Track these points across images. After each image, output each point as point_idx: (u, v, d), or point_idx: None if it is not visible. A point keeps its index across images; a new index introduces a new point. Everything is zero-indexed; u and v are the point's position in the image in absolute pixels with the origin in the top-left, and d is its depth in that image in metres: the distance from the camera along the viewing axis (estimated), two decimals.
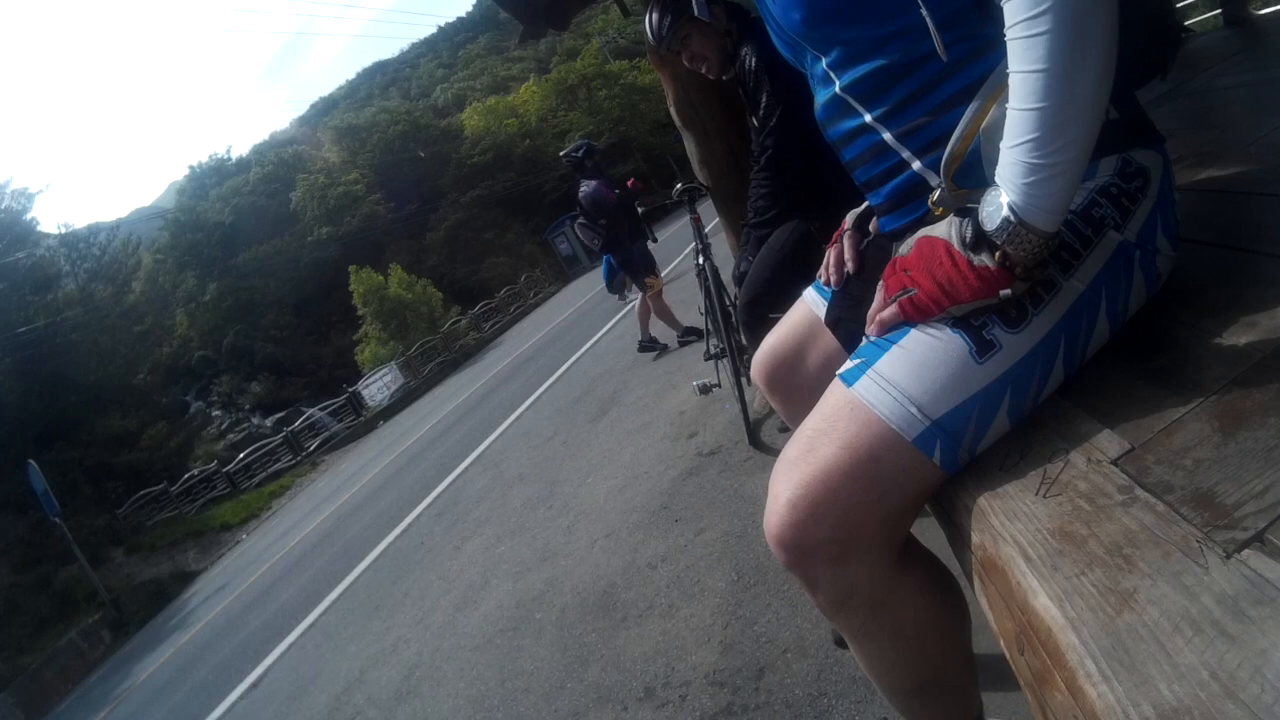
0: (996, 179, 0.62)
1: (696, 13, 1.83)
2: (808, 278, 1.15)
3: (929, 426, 0.65)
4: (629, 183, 5.07)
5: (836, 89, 0.81)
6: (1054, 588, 0.49)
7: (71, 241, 25.26)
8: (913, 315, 0.68)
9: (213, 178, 39.02)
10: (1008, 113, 0.60)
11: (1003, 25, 0.59)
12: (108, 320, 22.98)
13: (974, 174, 0.68)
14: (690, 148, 3.22)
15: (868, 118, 0.80)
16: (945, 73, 0.73)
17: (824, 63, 0.81)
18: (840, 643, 1.58)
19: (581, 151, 5.03)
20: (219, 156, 41.19)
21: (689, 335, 4.98)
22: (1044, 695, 0.49)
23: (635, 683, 1.88)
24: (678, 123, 3.20)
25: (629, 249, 5.01)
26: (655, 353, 5.22)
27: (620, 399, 4.75)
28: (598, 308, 11.42)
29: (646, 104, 37.40)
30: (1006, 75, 0.61)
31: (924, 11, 0.70)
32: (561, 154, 5.27)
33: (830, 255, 1.05)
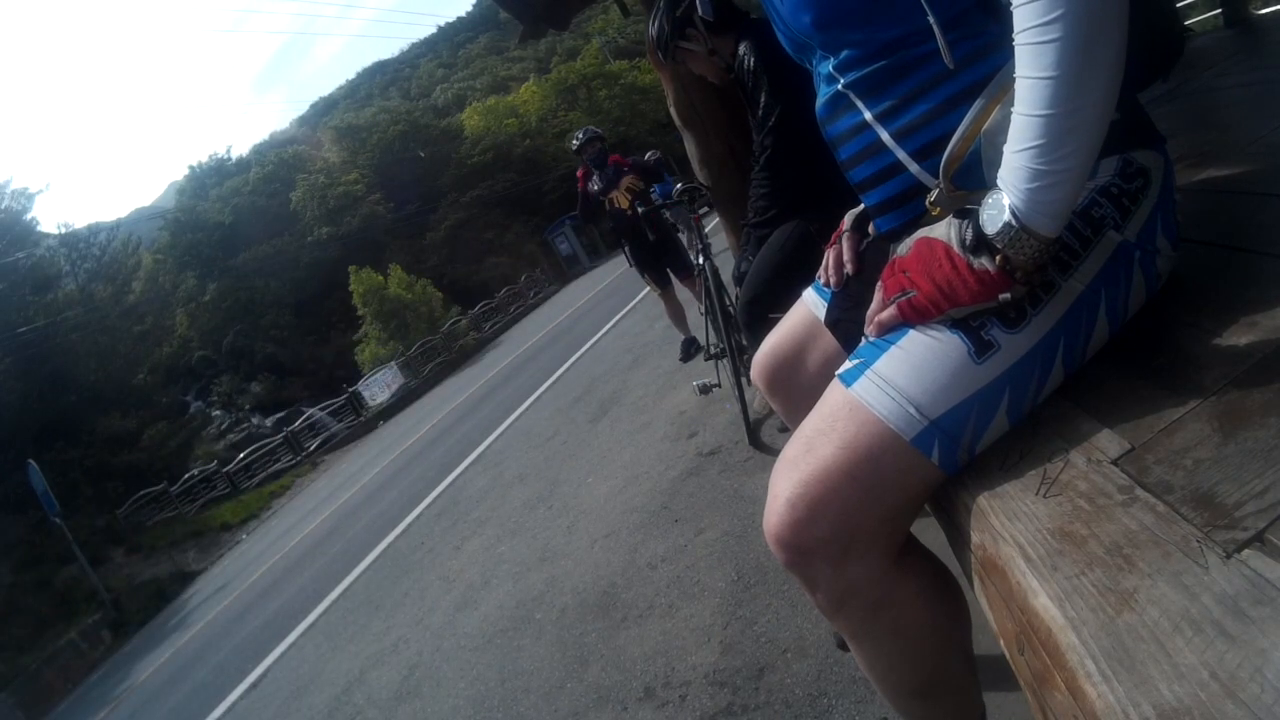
0: (999, 182, 0.62)
1: (701, 11, 1.85)
2: (808, 278, 1.15)
3: (927, 427, 0.65)
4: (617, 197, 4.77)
5: (839, 86, 0.81)
6: (1054, 588, 0.49)
7: (71, 241, 25.27)
8: (911, 317, 0.68)
9: (213, 178, 38.95)
10: (1013, 117, 0.60)
11: (1007, 25, 0.59)
12: (108, 320, 22.99)
13: (973, 175, 0.68)
14: (690, 148, 3.22)
15: (866, 115, 0.80)
16: (947, 72, 0.73)
17: (831, 63, 0.81)
18: (841, 644, 1.58)
19: (577, 144, 4.83)
20: (219, 156, 41.12)
21: (684, 349, 4.85)
22: (1044, 695, 0.49)
23: (635, 683, 1.88)
24: (678, 123, 3.20)
25: (634, 249, 4.90)
26: (694, 352, 4.74)
27: (620, 399, 4.75)
28: (598, 308, 11.42)
29: (646, 104, 37.39)
30: (1010, 78, 0.61)
31: (930, 18, 0.70)
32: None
33: (829, 256, 1.05)
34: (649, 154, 9.96)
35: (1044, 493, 0.58)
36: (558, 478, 3.91)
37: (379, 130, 39.37)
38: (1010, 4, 0.58)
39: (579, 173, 4.94)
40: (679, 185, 3.12)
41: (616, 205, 4.73)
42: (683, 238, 3.95)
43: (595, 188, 4.83)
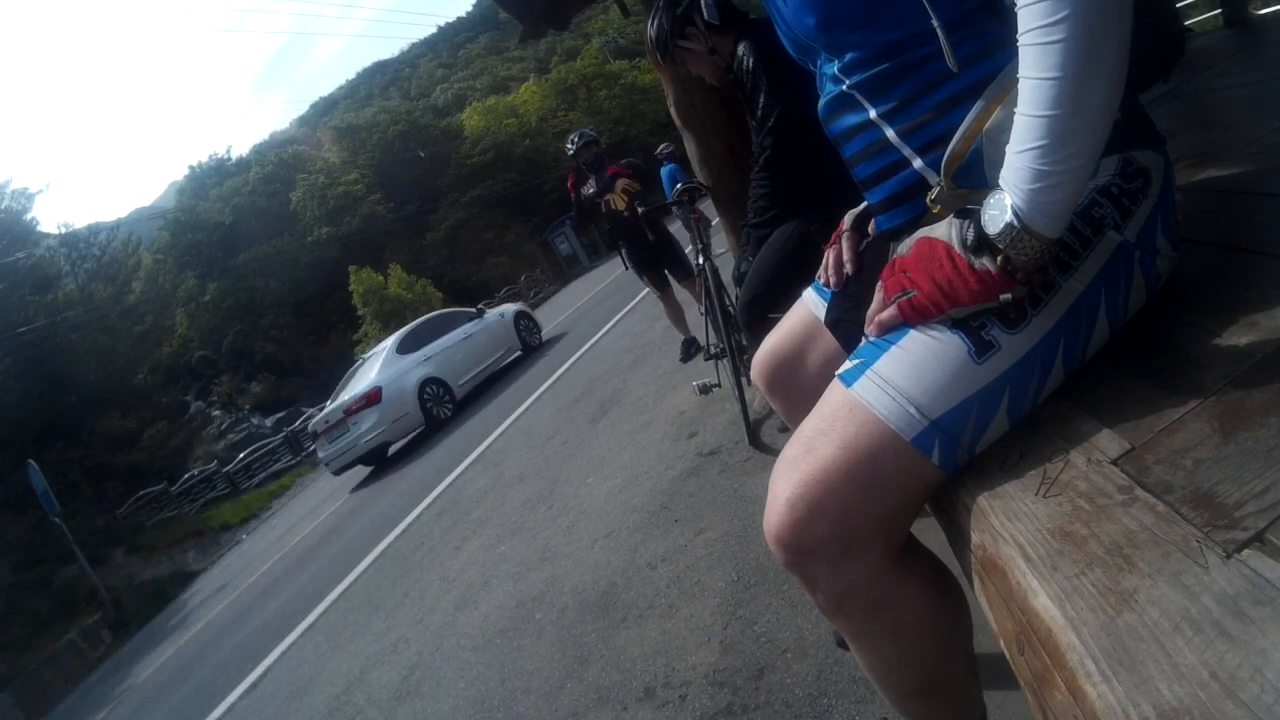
0: (1000, 182, 0.62)
1: (708, 16, 1.85)
2: (807, 278, 1.15)
3: (927, 427, 0.65)
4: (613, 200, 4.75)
5: (844, 87, 0.81)
6: (1054, 588, 0.49)
7: (71, 241, 25.30)
8: (912, 317, 0.68)
9: (213, 178, 38.94)
10: (1016, 117, 0.60)
11: (1010, 24, 0.59)
12: (108, 320, 23.01)
13: (974, 174, 0.68)
14: (690, 148, 3.22)
15: (871, 113, 0.80)
16: (951, 72, 0.73)
17: (836, 65, 0.81)
18: (841, 644, 1.58)
19: (573, 148, 4.82)
20: (219, 156, 41.09)
21: (684, 349, 4.84)
22: (1044, 695, 0.49)
23: (635, 683, 1.88)
24: (678, 123, 3.20)
25: (633, 251, 4.89)
26: (694, 352, 4.76)
27: (620, 399, 4.75)
28: (598, 308, 11.42)
29: (646, 104, 37.41)
30: (1013, 77, 0.61)
31: (933, 21, 0.70)
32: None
33: (829, 256, 1.06)
34: (661, 147, 9.90)
35: (1044, 493, 0.58)
36: (558, 478, 3.91)
37: (379, 130, 39.35)
38: (1014, 4, 0.58)
39: (569, 183, 4.95)
40: (679, 185, 3.13)
41: (614, 207, 4.72)
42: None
43: (590, 190, 4.83)
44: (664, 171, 9.23)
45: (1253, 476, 0.47)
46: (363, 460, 9.01)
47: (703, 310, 3.50)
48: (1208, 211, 0.91)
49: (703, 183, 3.19)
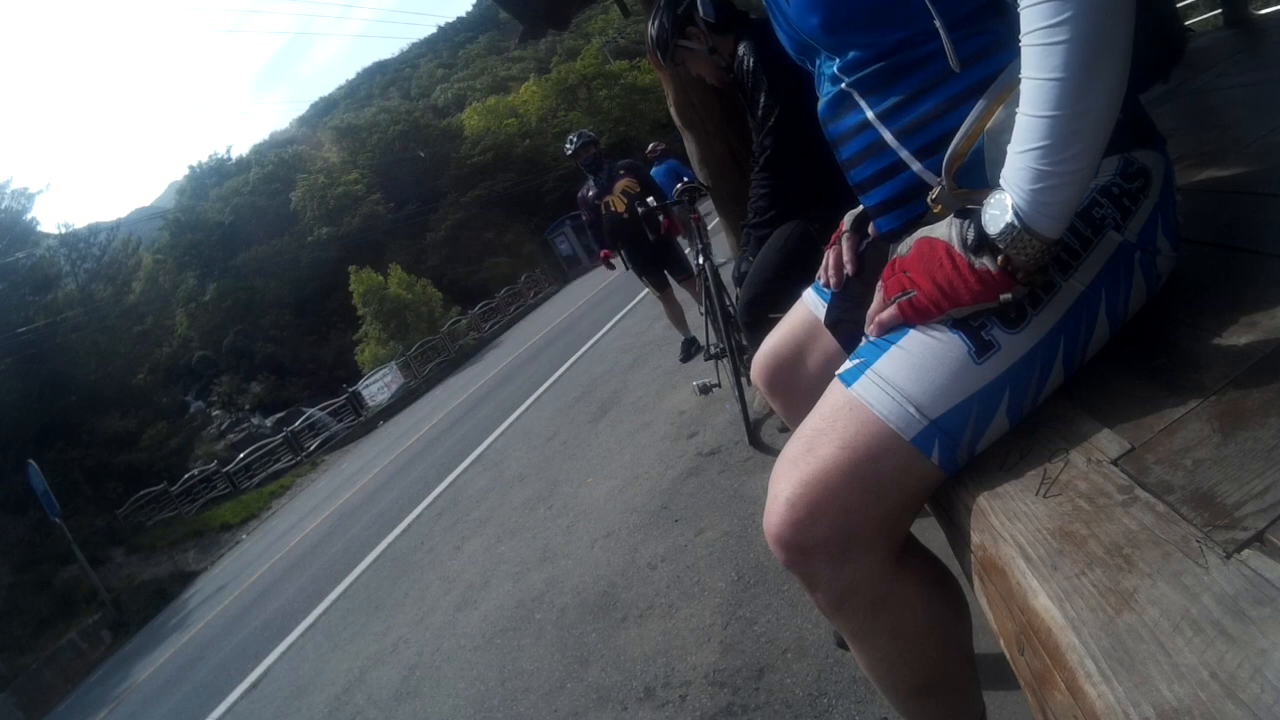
0: (1002, 182, 0.62)
1: (702, 12, 1.85)
2: (807, 278, 1.15)
3: (927, 426, 0.65)
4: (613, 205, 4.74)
5: (843, 85, 0.81)
6: (1054, 588, 0.49)
7: (71, 241, 25.25)
8: (912, 317, 0.68)
9: (213, 178, 38.96)
10: (1018, 118, 0.59)
11: (1013, 23, 0.59)
12: (108, 320, 22.97)
13: (975, 174, 0.68)
14: (690, 148, 3.22)
15: (869, 114, 0.80)
16: (951, 71, 0.73)
17: (836, 65, 0.81)
18: (841, 644, 1.58)
19: (571, 149, 4.79)
20: (219, 156, 41.11)
21: (684, 349, 4.84)
22: (1044, 695, 0.49)
23: (635, 683, 1.88)
24: (678, 123, 3.20)
25: (632, 252, 4.88)
26: (694, 352, 4.73)
27: (620, 399, 4.75)
28: (598, 308, 11.42)
29: (646, 104, 37.44)
30: (1015, 77, 0.61)
31: (936, 22, 0.70)
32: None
33: (829, 257, 1.05)
34: (651, 145, 9.86)
35: (1044, 493, 0.58)
36: (558, 478, 3.91)
37: (379, 130, 39.36)
38: (1017, 4, 0.58)
39: (587, 218, 4.96)
40: (678, 185, 3.13)
41: (613, 209, 4.73)
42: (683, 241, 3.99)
43: (590, 192, 4.83)
44: (660, 169, 9.18)
45: (1253, 476, 0.47)
46: None
47: (703, 310, 3.50)
48: (1208, 211, 0.91)
49: (703, 183, 3.19)
